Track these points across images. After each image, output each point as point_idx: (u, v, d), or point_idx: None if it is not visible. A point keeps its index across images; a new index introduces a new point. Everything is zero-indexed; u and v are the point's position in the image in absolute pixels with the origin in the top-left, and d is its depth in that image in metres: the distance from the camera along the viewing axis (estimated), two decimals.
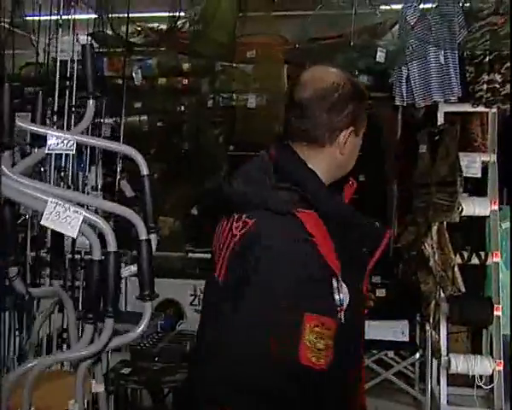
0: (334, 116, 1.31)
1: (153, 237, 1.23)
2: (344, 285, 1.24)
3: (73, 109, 3.01)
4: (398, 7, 3.69)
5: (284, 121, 1.38)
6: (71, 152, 1.19)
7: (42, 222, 1.09)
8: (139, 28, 4.72)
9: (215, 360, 1.27)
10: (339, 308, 1.23)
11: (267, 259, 1.21)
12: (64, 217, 1.08)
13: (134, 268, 1.22)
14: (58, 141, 1.18)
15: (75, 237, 1.11)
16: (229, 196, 1.34)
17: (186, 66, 5.69)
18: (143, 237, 1.16)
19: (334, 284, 1.23)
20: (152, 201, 1.26)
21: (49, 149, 1.20)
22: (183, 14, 3.57)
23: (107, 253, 1.12)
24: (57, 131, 1.31)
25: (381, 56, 3.25)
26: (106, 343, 1.16)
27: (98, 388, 1.35)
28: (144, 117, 5.82)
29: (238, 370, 1.21)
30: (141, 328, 1.19)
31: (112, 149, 1.31)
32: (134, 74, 3.81)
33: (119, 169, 3.27)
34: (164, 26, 4.14)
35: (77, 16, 3.58)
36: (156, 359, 3.17)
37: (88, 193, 2.76)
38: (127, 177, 4.05)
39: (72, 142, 1.19)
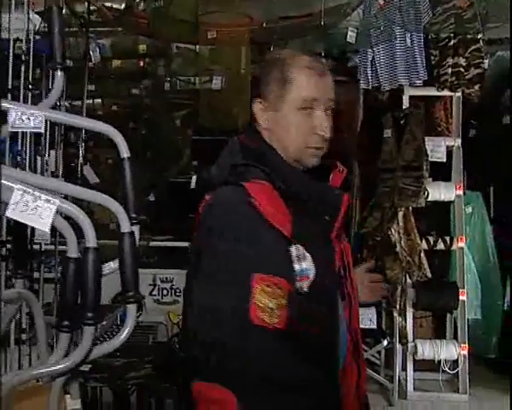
0: (256, 89, 1.39)
1: (135, 229, 1.09)
2: (308, 256, 1.26)
3: (30, 87, 2.80)
4: None
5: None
6: (39, 130, 1.04)
7: (7, 214, 0.94)
8: (94, 7, 4.50)
9: (183, 323, 1.38)
10: (298, 277, 1.25)
11: (215, 225, 1.28)
12: (34, 207, 0.93)
13: (114, 265, 1.09)
14: (24, 117, 1.03)
15: (47, 230, 0.96)
16: (202, 177, 1.43)
17: (142, 47, 5.51)
18: (126, 229, 1.03)
19: (293, 252, 1.25)
20: (133, 187, 1.12)
21: (12, 127, 1.04)
22: None
23: (85, 249, 0.98)
24: (23, 105, 1.14)
25: (351, 36, 3.16)
26: (85, 355, 1.01)
27: (74, 404, 1.21)
28: (98, 100, 5.61)
29: (199, 332, 1.25)
30: (124, 334, 1.06)
31: (87, 128, 1.16)
32: (91, 53, 3.59)
33: (81, 153, 3.03)
34: (120, 6, 3.93)
35: None
36: (118, 354, 3.02)
37: None
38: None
39: (40, 118, 1.04)
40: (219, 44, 3.71)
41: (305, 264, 1.26)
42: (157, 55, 5.46)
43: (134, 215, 1.13)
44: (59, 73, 1.18)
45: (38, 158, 2.70)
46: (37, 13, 3.86)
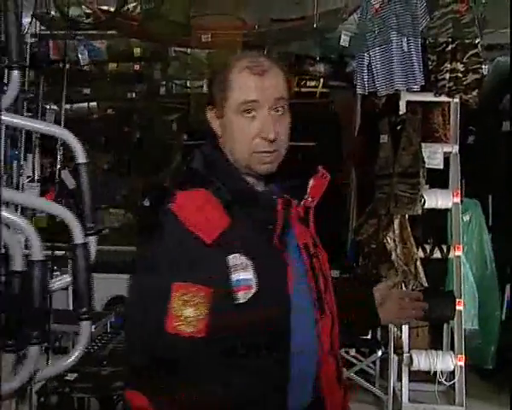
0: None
1: (92, 239, 1.02)
2: (249, 265, 1.21)
3: None
4: None
5: None
6: None
7: None
8: (89, 11, 4.45)
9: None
10: (235, 287, 1.20)
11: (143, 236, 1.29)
12: None
13: (68, 279, 1.02)
14: None
15: None
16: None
17: (137, 51, 5.46)
18: (79, 240, 0.96)
19: (230, 261, 1.21)
20: (91, 194, 1.05)
21: None
22: None
23: (30, 262, 0.91)
24: None
25: (345, 40, 3.09)
26: (31, 376, 0.94)
27: None
28: (93, 104, 5.56)
29: (125, 340, 1.26)
30: (76, 354, 0.99)
31: (42, 132, 1.09)
32: (80, 55, 3.53)
33: (59, 157, 2.94)
34: (112, 9, 3.88)
35: None
36: (105, 362, 2.95)
37: (23, 185, 2.46)
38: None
39: None
40: (213, 48, 3.64)
41: (244, 274, 1.21)
42: (153, 59, 5.42)
43: (91, 225, 1.06)
44: (15, 72, 1.10)
45: (15, 162, 2.62)
46: (35, 16, 3.83)
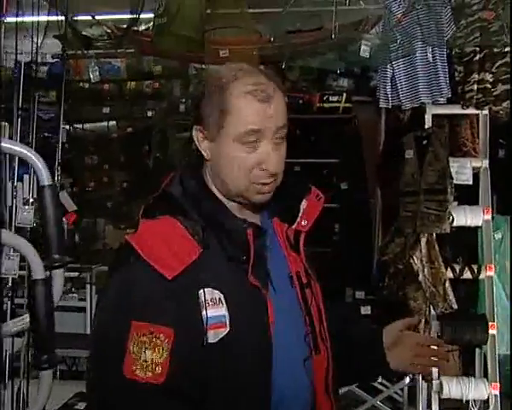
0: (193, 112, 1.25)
1: (58, 273, 0.89)
2: (223, 303, 1.12)
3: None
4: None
5: None
6: None
7: None
8: (109, 30, 4.42)
9: None
10: (209, 325, 1.11)
11: (111, 265, 1.20)
12: None
13: (27, 320, 0.89)
14: None
15: None
16: None
17: (157, 68, 5.44)
18: (38, 276, 0.83)
19: (201, 296, 1.11)
20: (57, 221, 0.93)
21: None
22: (143, 16, 3.27)
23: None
24: None
25: (365, 50, 2.96)
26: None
27: None
28: (113, 123, 5.54)
29: (87, 378, 1.18)
30: (38, 405, 0.86)
31: (6, 151, 0.98)
32: (91, 72, 3.48)
33: (57, 177, 2.79)
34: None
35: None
36: None
37: (16, 208, 2.36)
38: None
39: None
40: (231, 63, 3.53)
41: (215, 310, 1.11)
42: (173, 77, 5.39)
43: (56, 256, 0.93)
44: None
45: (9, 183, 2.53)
46: (54, 36, 3.83)
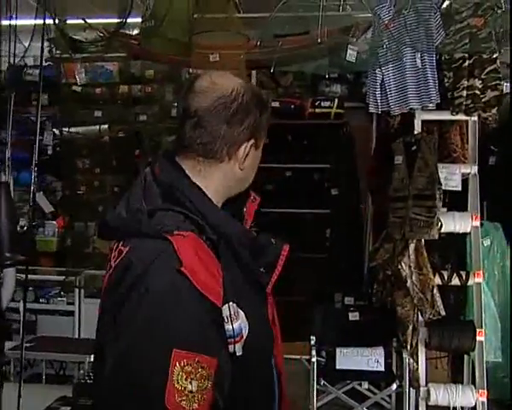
0: (234, 128, 1.21)
1: (9, 273, 0.87)
2: (241, 312, 1.13)
3: None
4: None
5: (178, 133, 1.24)
6: None
7: None
8: (100, 33, 4.42)
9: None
10: (231, 340, 1.10)
11: (137, 291, 1.08)
12: None
13: None
14: None
15: None
16: (108, 222, 1.22)
17: (150, 73, 5.44)
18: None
19: (225, 311, 1.10)
20: (9, 219, 0.91)
21: None
22: (131, 20, 3.26)
23: None
24: None
25: (351, 55, 2.95)
26: None
27: None
28: (105, 126, 5.52)
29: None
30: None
31: None
32: (77, 75, 3.47)
33: (34, 177, 2.71)
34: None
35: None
36: None
37: None
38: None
39: None
40: (220, 68, 3.53)
41: (237, 323, 1.11)
42: (165, 81, 5.38)
43: (8, 255, 0.91)
44: None
45: None
46: (47, 40, 3.82)
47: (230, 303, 1.11)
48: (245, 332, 1.12)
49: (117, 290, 1.12)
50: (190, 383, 1.04)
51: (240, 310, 1.12)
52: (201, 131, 1.19)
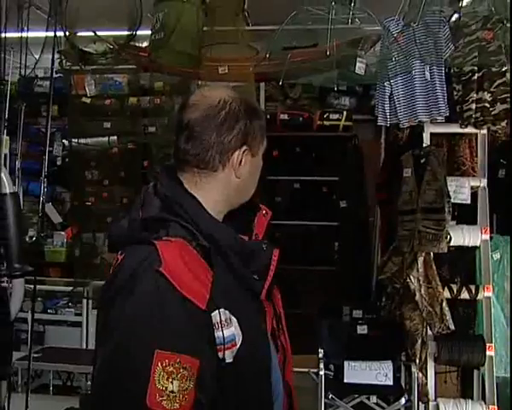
0: (223, 136, 1.24)
1: (18, 283, 0.87)
2: (234, 320, 1.15)
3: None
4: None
5: (174, 147, 1.29)
6: None
7: None
8: (110, 45, 4.45)
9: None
10: (220, 346, 1.12)
11: (120, 293, 1.12)
12: None
13: None
14: None
15: None
16: (112, 235, 1.31)
17: (159, 85, 5.46)
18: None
19: (216, 318, 1.12)
20: (18, 230, 0.92)
21: None
22: (140, 32, 3.29)
23: None
24: None
25: (360, 67, 2.95)
26: None
27: None
28: (114, 138, 5.54)
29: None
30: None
31: None
32: (87, 86, 3.50)
33: (43, 188, 2.73)
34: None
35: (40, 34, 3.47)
36: None
37: None
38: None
39: None
40: (229, 80, 3.54)
41: (229, 330, 1.13)
42: (174, 93, 5.40)
43: (17, 265, 0.91)
44: None
45: None
46: (58, 52, 3.86)
47: (222, 310, 1.12)
48: (238, 340, 1.14)
49: (108, 295, 1.17)
50: (172, 383, 1.05)
51: (233, 317, 1.14)
52: (193, 142, 1.23)
